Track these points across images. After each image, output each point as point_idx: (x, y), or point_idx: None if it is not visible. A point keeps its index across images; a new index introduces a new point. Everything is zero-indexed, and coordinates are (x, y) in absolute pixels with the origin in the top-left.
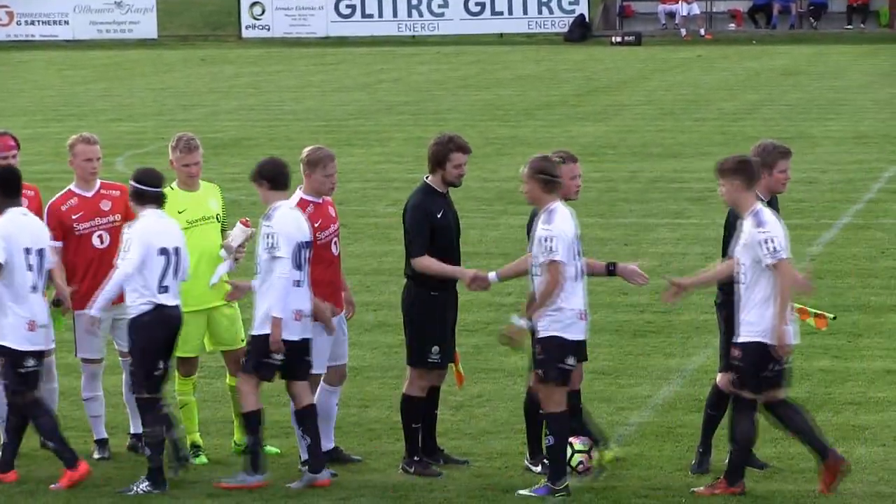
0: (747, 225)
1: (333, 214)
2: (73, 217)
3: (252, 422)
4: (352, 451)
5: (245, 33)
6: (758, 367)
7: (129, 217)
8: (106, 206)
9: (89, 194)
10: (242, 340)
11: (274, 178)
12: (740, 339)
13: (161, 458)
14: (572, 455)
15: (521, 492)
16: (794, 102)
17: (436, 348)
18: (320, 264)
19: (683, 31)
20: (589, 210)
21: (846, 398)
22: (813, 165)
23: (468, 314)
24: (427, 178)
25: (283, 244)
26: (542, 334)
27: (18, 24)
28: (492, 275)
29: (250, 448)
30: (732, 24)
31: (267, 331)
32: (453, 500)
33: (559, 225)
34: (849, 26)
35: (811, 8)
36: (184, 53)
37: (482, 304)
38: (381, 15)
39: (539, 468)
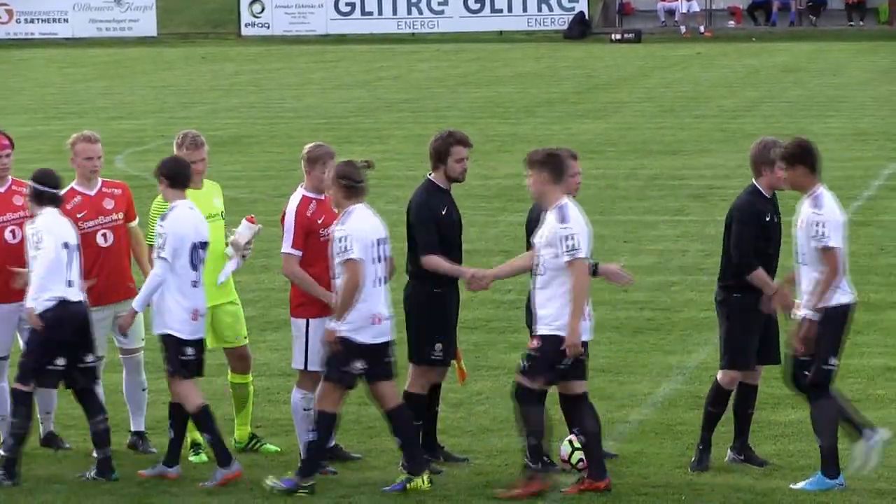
0: (550, 219)
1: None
2: (79, 216)
3: (203, 418)
4: (351, 448)
5: (245, 31)
6: (554, 360)
7: (130, 215)
8: (109, 204)
9: (92, 193)
10: (245, 338)
11: (173, 176)
12: (540, 332)
13: (18, 451)
14: (572, 452)
15: (270, 482)
16: (793, 99)
17: (438, 345)
18: (321, 261)
19: (683, 29)
20: (589, 207)
21: (846, 395)
22: None
23: (468, 311)
24: (430, 175)
25: (168, 245)
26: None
27: (18, 22)
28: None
29: (210, 443)
30: (732, 22)
31: (166, 331)
32: (453, 498)
33: (352, 225)
34: (850, 23)
35: (810, 5)
36: (184, 51)
37: (482, 302)
38: (380, 13)
39: (539, 465)
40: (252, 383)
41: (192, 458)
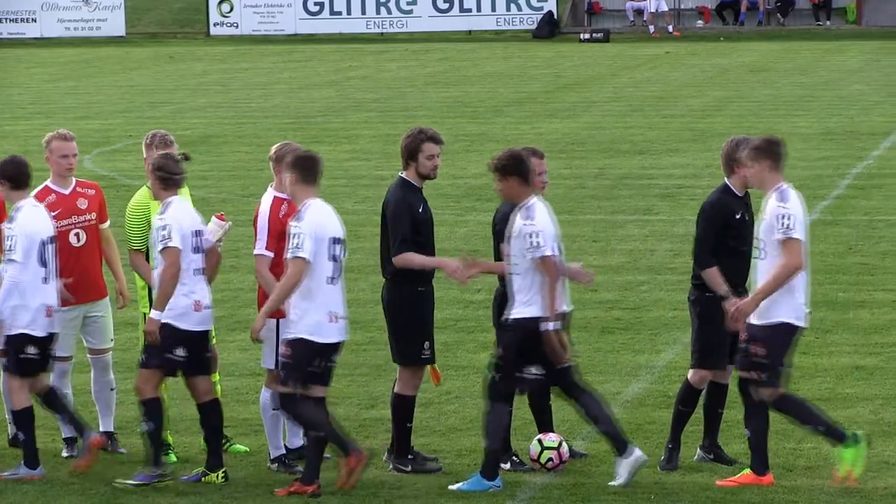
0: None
1: None
2: (53, 214)
3: (23, 418)
4: None
5: (213, 31)
6: (306, 362)
7: (102, 217)
8: (83, 204)
9: (66, 192)
10: (213, 337)
11: (15, 177)
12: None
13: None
14: (542, 452)
15: (120, 483)
16: (762, 99)
17: (426, 343)
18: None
19: (652, 28)
20: (557, 207)
21: (814, 394)
22: None
23: (437, 311)
24: (402, 173)
25: (19, 246)
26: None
27: None
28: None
29: (22, 443)
30: (700, 21)
31: (20, 329)
32: (422, 497)
33: (170, 214)
34: (817, 23)
35: (779, 5)
36: (152, 51)
37: (451, 302)
38: (349, 12)
39: (508, 465)
40: (219, 383)
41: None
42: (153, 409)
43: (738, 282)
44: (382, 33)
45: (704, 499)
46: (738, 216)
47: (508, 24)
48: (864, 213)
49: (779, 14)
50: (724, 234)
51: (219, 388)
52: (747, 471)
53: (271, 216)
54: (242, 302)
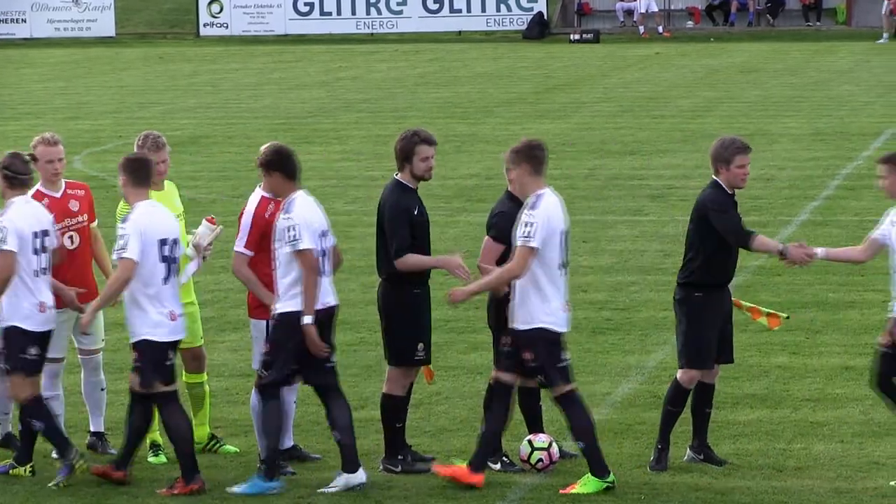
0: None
1: None
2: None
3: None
4: (310, 449)
5: (203, 31)
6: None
7: (91, 216)
8: (74, 206)
9: (58, 195)
10: (201, 338)
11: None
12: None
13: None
14: (531, 452)
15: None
16: (752, 99)
17: (420, 345)
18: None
19: (642, 29)
20: None
21: (804, 395)
22: (771, 162)
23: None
24: (396, 175)
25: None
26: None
27: None
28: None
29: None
30: (690, 22)
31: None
32: (412, 498)
33: (8, 216)
34: (807, 24)
35: (769, 5)
36: (142, 51)
37: (442, 302)
38: (339, 13)
39: (498, 465)
40: (207, 382)
41: (150, 460)
42: (37, 408)
43: (725, 279)
44: (372, 34)
45: (694, 499)
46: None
47: (498, 24)
48: (854, 213)
49: (769, 15)
50: (715, 229)
51: (206, 388)
52: (462, 464)
53: (256, 215)
54: (232, 303)
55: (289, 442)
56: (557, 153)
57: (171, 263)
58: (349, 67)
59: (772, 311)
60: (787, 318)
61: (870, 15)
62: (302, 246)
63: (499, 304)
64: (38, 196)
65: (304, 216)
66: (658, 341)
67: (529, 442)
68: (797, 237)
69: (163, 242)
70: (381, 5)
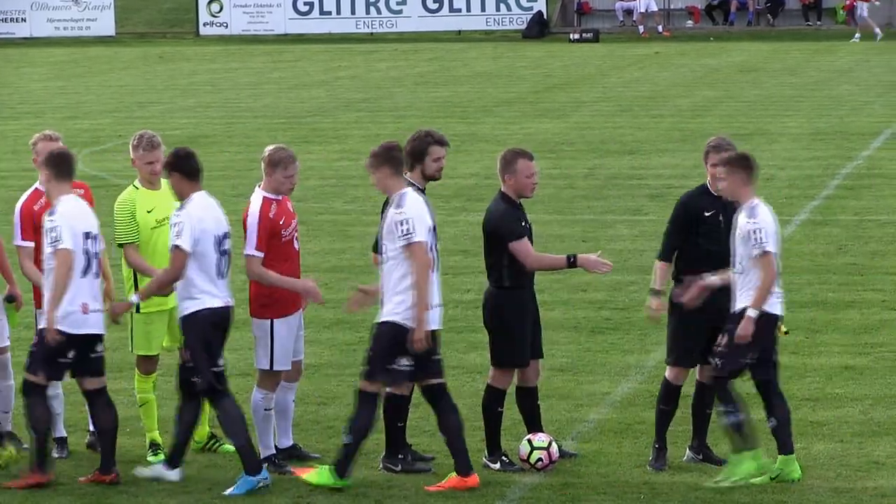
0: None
1: (293, 210)
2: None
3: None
4: (310, 448)
5: (203, 30)
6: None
7: None
8: None
9: None
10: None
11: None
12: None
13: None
14: (531, 452)
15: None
16: (751, 99)
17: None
18: (285, 261)
19: (641, 28)
20: (547, 207)
21: (804, 394)
22: (770, 162)
23: None
24: (406, 175)
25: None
26: None
27: None
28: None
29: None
30: (690, 21)
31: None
32: (412, 498)
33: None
34: (807, 23)
35: (768, 5)
36: (141, 51)
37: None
38: (339, 12)
39: (497, 465)
40: None
41: (150, 459)
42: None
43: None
44: (372, 33)
45: (693, 499)
46: (707, 213)
47: (498, 24)
48: (853, 213)
49: (768, 14)
50: (695, 230)
51: None
52: (453, 474)
53: (261, 216)
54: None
55: (288, 441)
56: (557, 152)
57: (91, 258)
58: (349, 67)
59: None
60: (787, 333)
61: (870, 15)
62: (178, 242)
63: (493, 306)
64: (36, 195)
65: (195, 215)
66: (657, 341)
67: (529, 441)
68: (797, 237)
69: (87, 236)
70: (381, 5)
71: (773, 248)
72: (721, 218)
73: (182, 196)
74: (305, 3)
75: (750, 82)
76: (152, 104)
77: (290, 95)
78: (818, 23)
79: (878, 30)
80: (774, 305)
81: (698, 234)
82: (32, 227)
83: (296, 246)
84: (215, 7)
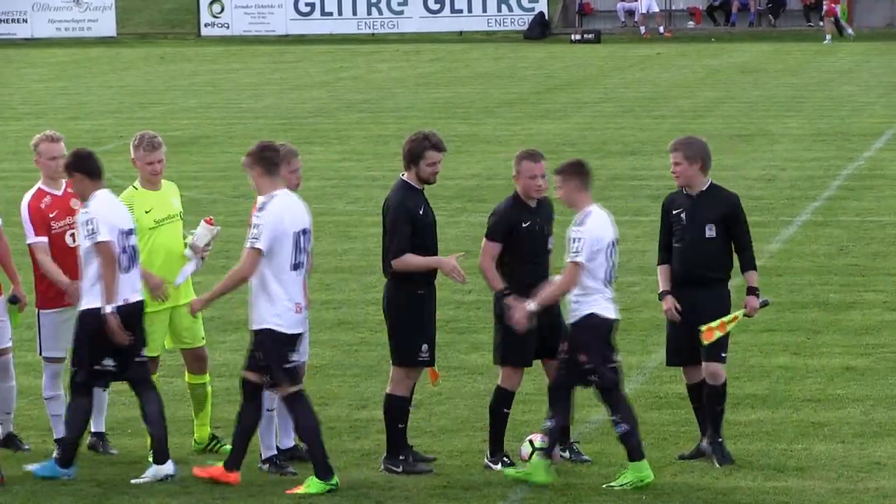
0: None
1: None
2: (50, 216)
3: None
4: None
5: (204, 31)
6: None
7: None
8: (76, 204)
9: (59, 193)
10: (203, 339)
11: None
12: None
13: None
14: (532, 453)
15: None
16: (753, 100)
17: (425, 346)
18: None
19: (643, 29)
20: None
21: (805, 395)
22: (772, 163)
23: None
24: (403, 174)
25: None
26: None
27: None
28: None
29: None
30: (691, 22)
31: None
32: (413, 499)
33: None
34: (808, 24)
35: (770, 6)
36: (143, 51)
37: (443, 302)
38: (340, 13)
39: (499, 466)
40: (210, 384)
41: (152, 460)
42: None
43: (680, 276)
44: (373, 34)
45: (696, 499)
46: (674, 212)
47: (499, 24)
48: (855, 213)
49: (770, 15)
50: (671, 229)
51: (209, 389)
52: (220, 464)
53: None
54: (235, 303)
55: (289, 442)
56: (558, 153)
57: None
58: (350, 68)
59: (724, 321)
60: (765, 304)
61: (871, 15)
62: (100, 238)
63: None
64: (40, 194)
65: (104, 211)
66: (659, 342)
67: (530, 442)
68: (798, 237)
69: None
70: (382, 5)
71: (585, 259)
72: (683, 216)
73: (85, 196)
74: (307, 4)
75: (751, 83)
76: (153, 105)
77: (292, 96)
78: (819, 23)
79: (828, 36)
80: (608, 310)
81: (672, 232)
82: (42, 224)
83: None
84: (216, 8)
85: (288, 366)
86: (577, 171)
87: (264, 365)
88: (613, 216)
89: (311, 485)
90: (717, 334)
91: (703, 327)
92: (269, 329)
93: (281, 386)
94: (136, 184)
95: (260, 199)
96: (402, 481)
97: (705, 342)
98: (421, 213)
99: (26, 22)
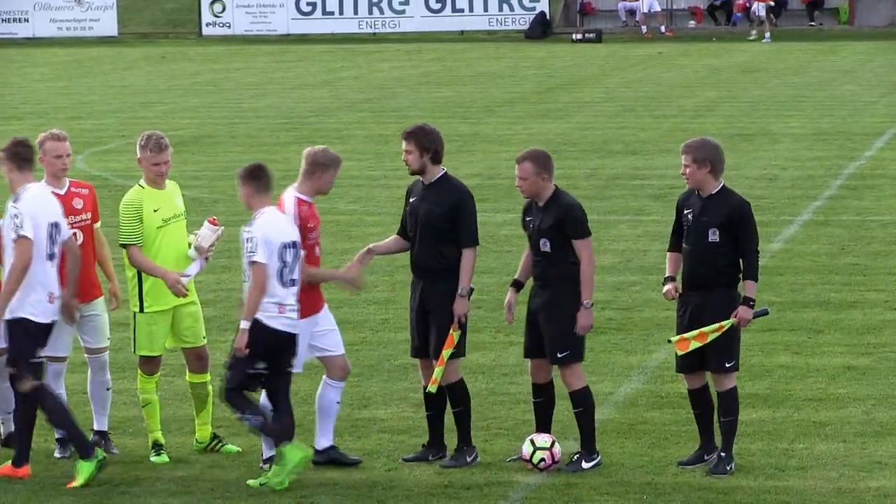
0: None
1: (318, 215)
2: None
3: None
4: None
5: (205, 31)
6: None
7: (95, 216)
8: (78, 203)
9: (62, 192)
10: (204, 338)
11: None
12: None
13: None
14: (534, 452)
15: None
16: (754, 99)
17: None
18: (308, 261)
19: (644, 29)
20: None
21: (806, 394)
22: (773, 162)
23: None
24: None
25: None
26: None
27: None
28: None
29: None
30: (693, 22)
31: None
32: (414, 498)
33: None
34: (810, 23)
35: (771, 5)
36: (144, 51)
37: None
38: (341, 12)
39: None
40: (210, 383)
41: (153, 459)
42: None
43: (685, 278)
44: (375, 33)
45: (696, 499)
46: (686, 212)
47: (501, 24)
48: (856, 213)
49: (771, 14)
50: (681, 224)
51: (210, 388)
52: (8, 463)
53: (298, 216)
54: (235, 302)
55: (326, 442)
56: (559, 153)
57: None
58: (351, 67)
59: (703, 331)
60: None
61: (872, 14)
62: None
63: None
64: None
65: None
66: (660, 341)
67: (532, 441)
68: (800, 237)
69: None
70: (384, 5)
71: (264, 258)
72: (691, 217)
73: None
74: (308, 4)
75: (752, 82)
76: (155, 104)
77: (293, 96)
78: (821, 23)
79: (767, 35)
80: (272, 318)
81: (682, 232)
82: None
83: (316, 252)
84: (218, 7)
85: (34, 360)
86: (252, 177)
87: (11, 357)
88: (614, 216)
89: (82, 469)
90: (695, 344)
91: (675, 337)
92: (23, 318)
93: (22, 379)
94: (142, 182)
95: (17, 192)
96: (402, 480)
97: (679, 352)
98: (411, 199)
99: (28, 21)
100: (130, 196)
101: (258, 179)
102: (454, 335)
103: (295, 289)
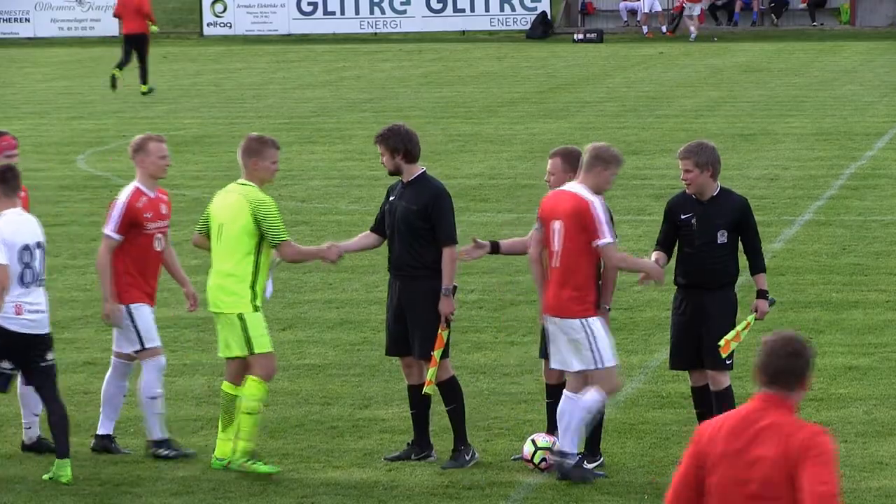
0: None
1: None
2: (146, 215)
3: None
4: (313, 448)
5: (207, 31)
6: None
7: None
8: (164, 209)
9: (153, 195)
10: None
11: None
12: None
13: None
14: (535, 452)
15: None
16: (755, 99)
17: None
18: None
19: (645, 29)
20: None
21: (808, 394)
22: (774, 162)
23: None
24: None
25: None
26: None
27: None
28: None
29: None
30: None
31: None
32: (415, 498)
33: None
34: (812, 23)
35: (772, 5)
36: None
37: None
38: (343, 12)
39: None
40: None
41: (261, 469)
42: None
43: (689, 280)
44: (376, 33)
45: None
46: (683, 216)
47: (502, 24)
48: (857, 213)
49: (773, 14)
50: (676, 232)
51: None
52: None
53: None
54: None
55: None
56: None
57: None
58: (352, 67)
59: (738, 330)
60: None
61: (873, 14)
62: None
63: None
64: (138, 193)
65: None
66: (661, 341)
67: (533, 441)
68: (801, 237)
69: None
70: (385, 5)
71: (4, 259)
72: (693, 221)
73: None
74: (309, 4)
75: (754, 82)
76: (156, 104)
77: (294, 95)
78: (822, 23)
79: (693, 29)
80: (9, 320)
81: (679, 236)
82: (130, 224)
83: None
84: (219, 7)
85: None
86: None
87: None
88: (616, 215)
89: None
90: (734, 345)
91: (721, 342)
92: None
93: None
94: (250, 181)
95: None
96: (403, 480)
97: (724, 355)
98: (389, 198)
99: (29, 21)
100: (260, 195)
101: (5, 182)
102: (443, 335)
103: (40, 289)
